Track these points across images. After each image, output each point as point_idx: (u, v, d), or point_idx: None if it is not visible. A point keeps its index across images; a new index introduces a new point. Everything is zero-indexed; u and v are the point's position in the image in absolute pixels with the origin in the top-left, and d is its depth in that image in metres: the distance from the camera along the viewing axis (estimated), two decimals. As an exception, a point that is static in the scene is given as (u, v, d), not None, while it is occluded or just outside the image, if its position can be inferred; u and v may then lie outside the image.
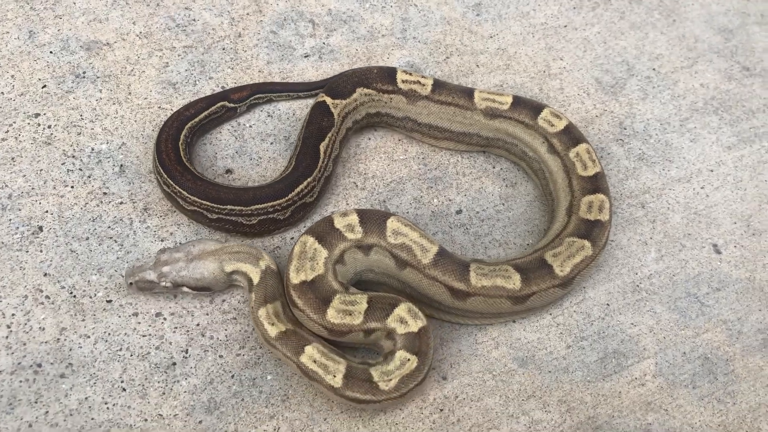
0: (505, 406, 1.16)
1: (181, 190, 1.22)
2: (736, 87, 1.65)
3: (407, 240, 1.16)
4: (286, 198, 1.24)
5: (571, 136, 1.35)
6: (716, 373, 1.23)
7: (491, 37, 1.66)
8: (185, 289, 1.15)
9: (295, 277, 1.12)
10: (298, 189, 1.25)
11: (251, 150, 1.39)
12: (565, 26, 1.71)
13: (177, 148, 1.28)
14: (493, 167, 1.44)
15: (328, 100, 1.38)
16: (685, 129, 1.56)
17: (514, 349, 1.22)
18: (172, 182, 1.23)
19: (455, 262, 1.16)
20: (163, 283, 1.14)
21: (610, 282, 1.32)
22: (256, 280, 1.14)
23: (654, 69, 1.66)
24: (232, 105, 1.39)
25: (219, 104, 1.37)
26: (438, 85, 1.38)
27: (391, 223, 1.17)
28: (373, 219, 1.17)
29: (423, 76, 1.40)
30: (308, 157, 1.29)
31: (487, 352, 1.21)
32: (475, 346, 1.22)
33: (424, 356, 1.09)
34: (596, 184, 1.29)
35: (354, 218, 1.17)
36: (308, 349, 1.09)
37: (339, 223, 1.17)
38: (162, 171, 1.25)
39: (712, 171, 1.50)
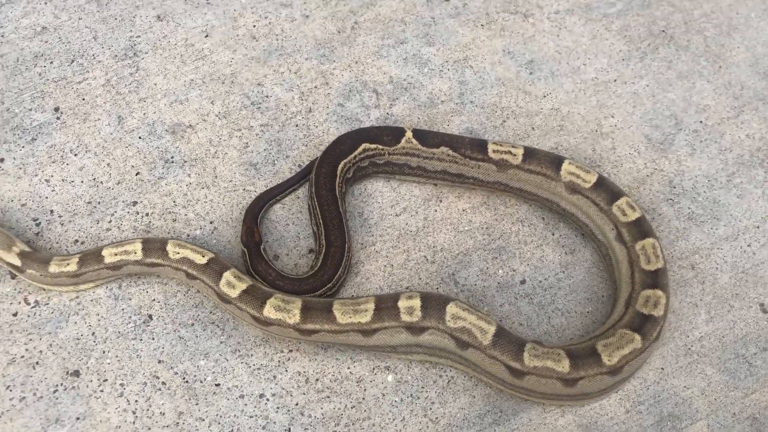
0: (573, 471, 1.30)
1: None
2: (781, 136, 1.73)
3: (466, 323, 1.28)
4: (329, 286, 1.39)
5: (641, 228, 1.44)
6: (764, 435, 1.35)
7: (545, 96, 1.74)
8: None
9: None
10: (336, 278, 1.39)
11: (329, 227, 1.52)
12: (615, 80, 1.79)
13: (259, 249, 1.42)
14: (553, 234, 1.55)
15: (409, 134, 1.51)
16: (731, 184, 1.65)
17: (578, 416, 1.35)
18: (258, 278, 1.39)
19: (512, 342, 1.28)
20: None
21: (664, 346, 1.44)
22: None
23: (701, 122, 1.74)
24: (260, 245, 1.43)
25: (258, 249, 1.42)
26: (528, 154, 1.49)
27: (451, 308, 1.29)
28: (433, 303, 1.29)
29: (514, 146, 1.50)
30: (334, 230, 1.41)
31: (554, 421, 1.35)
32: (543, 415, 1.35)
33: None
34: (657, 279, 1.39)
35: (416, 302, 1.29)
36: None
37: (402, 303, 1.29)
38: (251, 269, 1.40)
39: (758, 227, 1.59)
